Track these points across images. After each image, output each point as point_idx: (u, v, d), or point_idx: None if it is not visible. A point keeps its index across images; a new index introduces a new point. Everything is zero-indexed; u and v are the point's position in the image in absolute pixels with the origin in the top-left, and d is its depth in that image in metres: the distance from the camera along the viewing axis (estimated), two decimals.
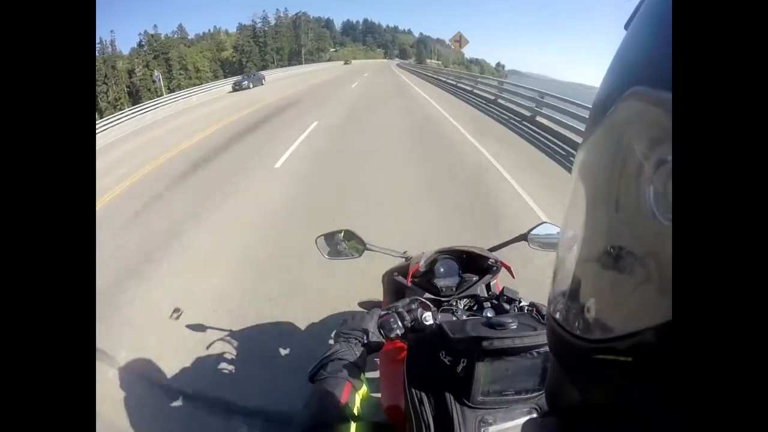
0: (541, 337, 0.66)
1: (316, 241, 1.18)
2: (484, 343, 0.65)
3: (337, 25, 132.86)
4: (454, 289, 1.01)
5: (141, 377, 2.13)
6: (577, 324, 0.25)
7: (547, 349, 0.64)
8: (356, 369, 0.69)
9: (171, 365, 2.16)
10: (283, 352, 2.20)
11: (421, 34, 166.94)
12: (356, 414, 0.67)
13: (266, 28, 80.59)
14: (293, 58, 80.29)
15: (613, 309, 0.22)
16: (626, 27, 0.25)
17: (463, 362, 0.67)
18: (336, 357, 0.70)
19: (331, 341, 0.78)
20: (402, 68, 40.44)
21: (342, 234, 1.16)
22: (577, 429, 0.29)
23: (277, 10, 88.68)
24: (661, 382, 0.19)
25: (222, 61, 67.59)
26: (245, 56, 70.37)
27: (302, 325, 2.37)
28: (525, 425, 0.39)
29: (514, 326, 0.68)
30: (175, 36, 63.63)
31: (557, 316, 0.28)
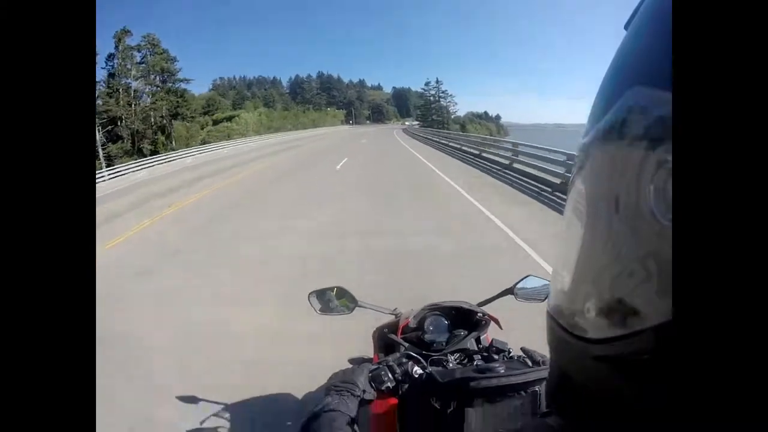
0: (528, 375, 0.69)
1: (308, 297, 1.19)
2: (472, 384, 0.67)
3: (285, 83, 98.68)
4: (444, 344, 1.02)
5: None
6: (577, 324, 0.25)
7: (536, 388, 0.68)
8: (350, 421, 0.69)
9: None
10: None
11: (394, 88, 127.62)
12: None
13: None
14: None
15: (613, 309, 0.22)
16: (626, 27, 0.25)
17: (453, 405, 0.69)
18: (329, 409, 0.69)
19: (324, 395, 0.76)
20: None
21: (334, 291, 1.18)
22: (577, 429, 0.29)
23: None
24: (661, 382, 0.19)
25: None
26: None
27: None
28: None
29: (501, 370, 0.70)
30: None
31: (557, 316, 0.28)
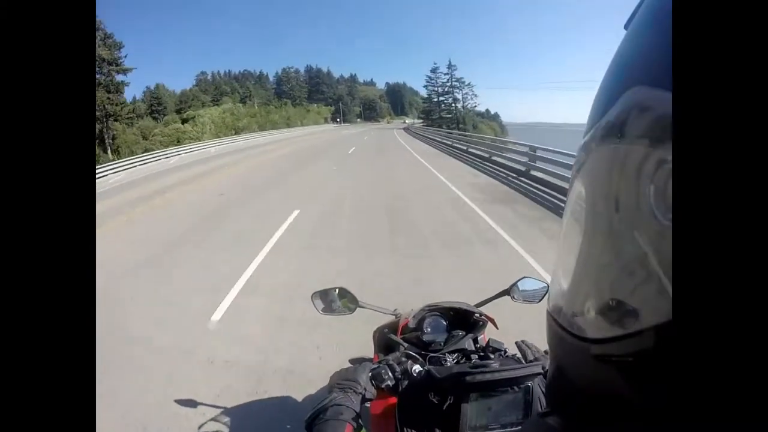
0: (521, 371, 0.73)
1: (311, 297, 1.22)
2: (467, 378, 0.71)
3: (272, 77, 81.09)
4: (442, 344, 1.04)
5: None
6: (577, 324, 0.25)
7: (528, 383, 0.73)
8: (355, 414, 0.72)
9: None
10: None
11: (387, 84, 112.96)
12: None
13: None
14: None
15: (613, 309, 0.22)
16: (626, 27, 0.25)
17: (450, 399, 0.73)
18: (334, 403, 0.72)
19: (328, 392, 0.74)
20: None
21: (336, 291, 1.20)
22: (577, 429, 0.29)
23: None
24: (661, 382, 0.19)
25: None
26: None
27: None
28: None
29: (495, 365, 0.75)
30: None
31: (557, 316, 0.28)
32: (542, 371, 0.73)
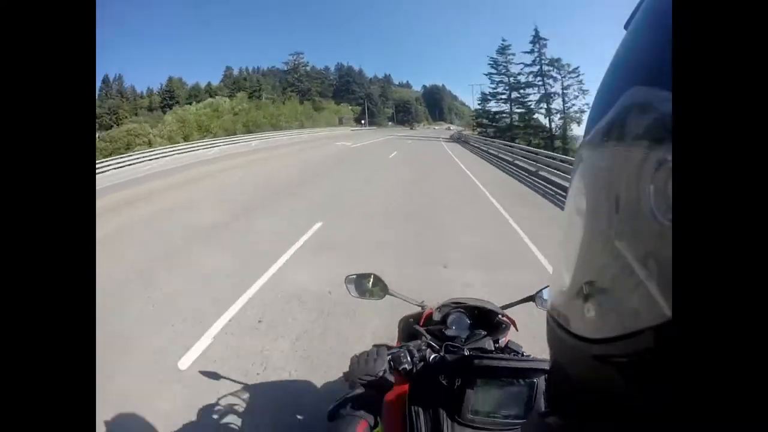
0: (527, 364, 0.76)
1: (345, 280, 1.30)
2: (476, 361, 0.75)
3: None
4: (463, 341, 1.07)
5: None
6: (577, 324, 0.25)
7: (534, 379, 0.75)
8: (371, 409, 0.77)
9: None
10: None
11: (424, 87, 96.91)
12: None
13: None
14: None
15: (613, 309, 0.22)
16: (626, 27, 0.25)
17: (458, 381, 0.77)
18: (352, 398, 0.78)
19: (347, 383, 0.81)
20: None
21: (371, 278, 1.28)
22: (577, 429, 0.29)
23: None
24: (661, 382, 0.19)
25: None
26: None
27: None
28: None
29: (504, 356, 0.80)
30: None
31: (557, 316, 0.28)
32: (548, 368, 0.75)
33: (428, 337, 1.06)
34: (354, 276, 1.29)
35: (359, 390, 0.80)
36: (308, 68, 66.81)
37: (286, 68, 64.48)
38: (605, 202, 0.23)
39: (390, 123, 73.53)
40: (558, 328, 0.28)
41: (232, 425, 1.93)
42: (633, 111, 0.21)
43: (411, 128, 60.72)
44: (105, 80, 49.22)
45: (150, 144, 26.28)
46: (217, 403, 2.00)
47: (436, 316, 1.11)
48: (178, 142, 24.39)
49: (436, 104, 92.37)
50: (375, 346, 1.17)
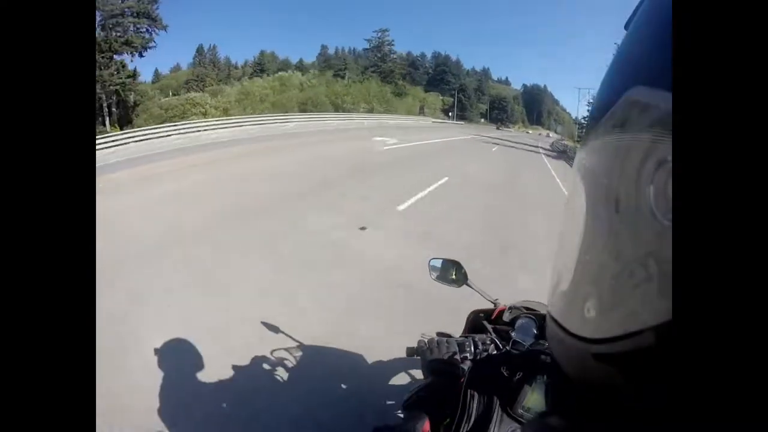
0: None
1: (429, 261, 1.34)
2: (542, 357, 0.75)
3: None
4: (525, 347, 1.09)
5: None
6: (577, 324, 0.25)
7: None
8: (440, 402, 0.80)
9: None
10: None
11: (524, 85, 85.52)
12: None
13: None
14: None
15: (613, 309, 0.22)
16: (626, 27, 0.25)
17: (519, 375, 0.78)
18: (423, 390, 0.82)
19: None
20: None
21: (454, 265, 1.31)
22: (577, 429, 0.29)
23: None
24: (661, 382, 0.19)
25: None
26: None
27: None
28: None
29: None
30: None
31: (557, 316, 0.28)
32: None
33: (494, 334, 1.07)
34: (440, 259, 1.32)
35: (429, 381, 0.84)
36: (396, 51, 57.10)
37: (368, 45, 55.59)
38: (605, 202, 0.23)
39: (482, 120, 65.01)
40: (558, 328, 0.28)
41: (278, 377, 2.13)
42: (633, 111, 0.21)
43: (497, 128, 52.28)
44: (199, 50, 49.18)
45: (205, 115, 25.29)
46: (269, 355, 2.24)
47: (506, 317, 1.12)
48: (232, 116, 23.04)
49: (534, 106, 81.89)
50: (439, 334, 1.20)
